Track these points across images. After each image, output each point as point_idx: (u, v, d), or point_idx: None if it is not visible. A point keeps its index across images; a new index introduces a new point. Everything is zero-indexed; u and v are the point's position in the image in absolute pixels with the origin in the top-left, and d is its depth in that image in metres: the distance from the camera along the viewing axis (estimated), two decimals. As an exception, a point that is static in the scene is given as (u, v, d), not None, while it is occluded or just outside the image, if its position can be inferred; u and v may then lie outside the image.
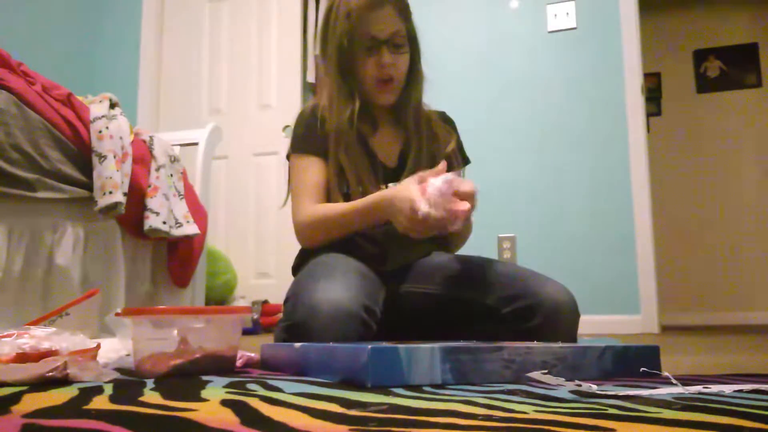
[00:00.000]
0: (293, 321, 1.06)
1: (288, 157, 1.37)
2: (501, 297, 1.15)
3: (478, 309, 1.16)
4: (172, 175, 1.99)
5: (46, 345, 0.84)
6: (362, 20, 1.26)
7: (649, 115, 4.57)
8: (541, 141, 3.07)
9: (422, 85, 1.38)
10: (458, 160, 1.39)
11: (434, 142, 1.36)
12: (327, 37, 1.33)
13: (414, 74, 1.36)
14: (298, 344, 0.89)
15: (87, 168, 1.72)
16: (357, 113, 1.30)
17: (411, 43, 1.34)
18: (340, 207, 1.24)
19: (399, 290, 1.25)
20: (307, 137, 1.33)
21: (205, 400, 0.62)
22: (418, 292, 1.25)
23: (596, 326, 2.76)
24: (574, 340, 1.12)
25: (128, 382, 0.79)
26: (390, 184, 1.30)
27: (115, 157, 1.73)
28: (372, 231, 1.27)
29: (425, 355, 0.73)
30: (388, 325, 1.12)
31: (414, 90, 1.36)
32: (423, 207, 1.01)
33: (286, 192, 1.38)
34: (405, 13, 1.32)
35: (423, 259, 1.30)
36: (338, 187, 1.28)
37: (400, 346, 0.74)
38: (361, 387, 0.70)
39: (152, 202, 1.86)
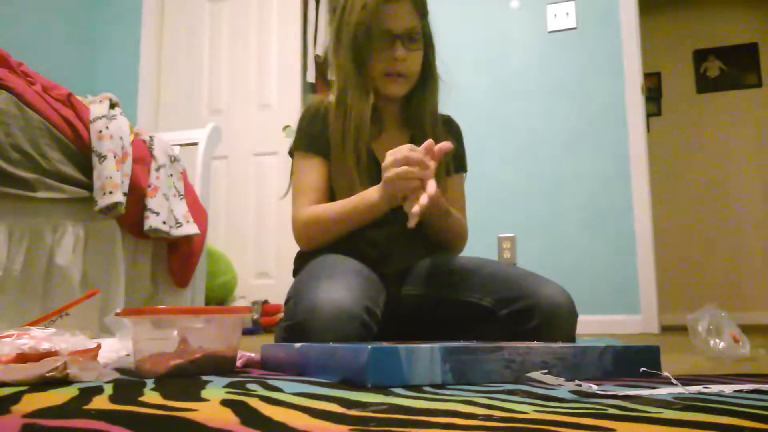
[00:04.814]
0: (294, 321, 1.06)
1: (291, 152, 1.36)
2: (498, 299, 1.14)
3: (476, 311, 1.16)
4: (172, 175, 1.99)
5: (46, 345, 0.84)
6: (378, 13, 1.24)
7: (649, 115, 4.57)
8: (541, 141, 3.07)
9: (437, 88, 1.35)
10: (450, 166, 1.36)
11: None
12: (341, 30, 1.30)
13: (428, 74, 1.33)
14: (298, 344, 0.89)
15: (87, 168, 1.72)
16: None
17: (426, 41, 1.31)
18: (335, 204, 1.24)
19: (399, 293, 1.24)
20: (312, 135, 1.31)
21: (205, 400, 0.62)
22: (417, 294, 1.24)
23: (596, 326, 2.76)
24: (572, 341, 1.12)
25: (128, 382, 0.79)
26: None
27: (115, 157, 1.73)
28: (373, 234, 1.27)
29: (425, 355, 0.73)
30: (387, 328, 1.12)
31: (429, 93, 1.33)
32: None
33: (288, 184, 1.36)
34: (422, 10, 1.30)
35: (422, 261, 1.30)
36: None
37: (400, 346, 0.74)
38: (361, 387, 0.70)
39: (152, 202, 1.86)
